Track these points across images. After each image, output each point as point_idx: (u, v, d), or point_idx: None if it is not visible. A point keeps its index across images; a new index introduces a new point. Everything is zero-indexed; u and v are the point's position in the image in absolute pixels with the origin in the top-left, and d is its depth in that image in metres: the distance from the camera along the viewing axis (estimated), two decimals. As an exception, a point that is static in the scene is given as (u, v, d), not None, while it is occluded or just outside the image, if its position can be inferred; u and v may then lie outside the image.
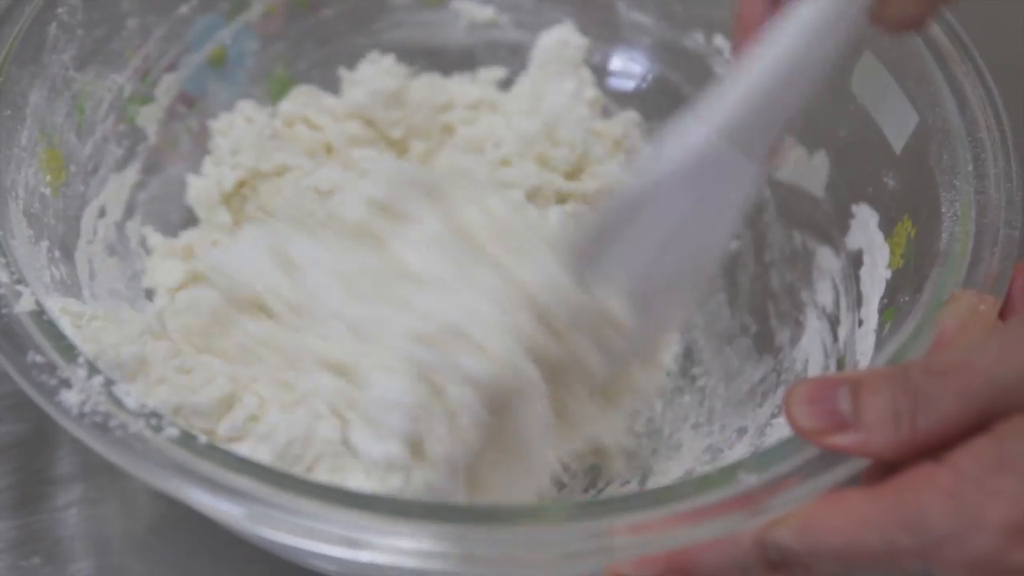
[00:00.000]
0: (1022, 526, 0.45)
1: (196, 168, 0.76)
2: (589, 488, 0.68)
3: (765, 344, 0.74)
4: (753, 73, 0.57)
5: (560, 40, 0.80)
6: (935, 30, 0.66)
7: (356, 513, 0.48)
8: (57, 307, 0.57)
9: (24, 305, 0.53)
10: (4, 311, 0.53)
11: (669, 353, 0.74)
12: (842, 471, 0.49)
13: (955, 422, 0.47)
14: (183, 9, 0.74)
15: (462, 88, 0.81)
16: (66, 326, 0.56)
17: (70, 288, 0.64)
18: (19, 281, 0.55)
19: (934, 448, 0.47)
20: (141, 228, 0.73)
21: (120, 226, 0.72)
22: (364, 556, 0.47)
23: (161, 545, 0.67)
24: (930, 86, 0.64)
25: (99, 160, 0.70)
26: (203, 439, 0.50)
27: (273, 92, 0.79)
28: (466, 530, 0.48)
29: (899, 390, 0.48)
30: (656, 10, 0.81)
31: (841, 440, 0.48)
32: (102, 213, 0.70)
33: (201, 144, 0.77)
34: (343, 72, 0.79)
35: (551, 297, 0.59)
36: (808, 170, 0.75)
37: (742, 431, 0.69)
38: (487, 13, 0.83)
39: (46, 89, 0.65)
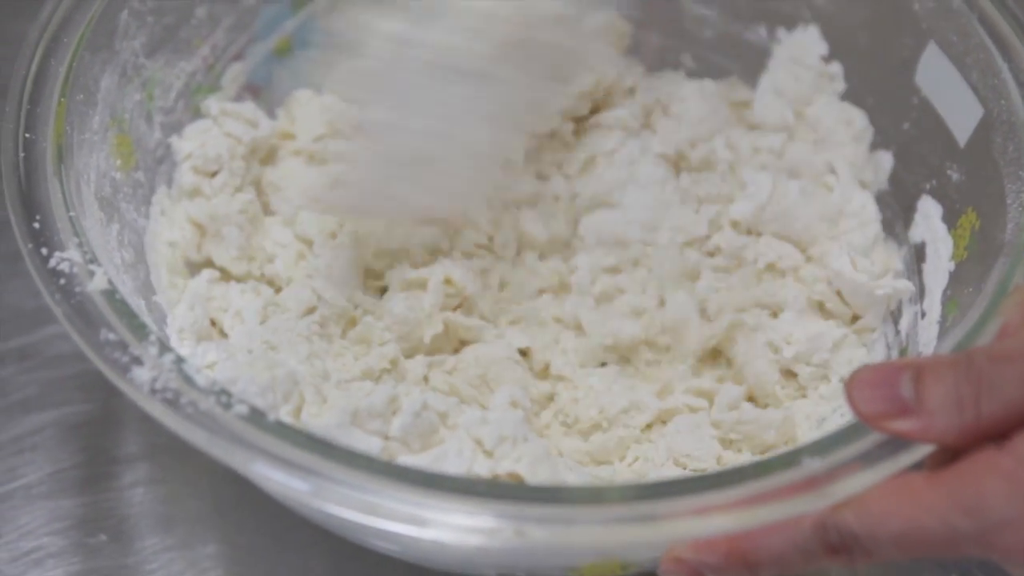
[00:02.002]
0: None
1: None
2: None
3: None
4: None
5: None
6: (1000, 22, 0.65)
7: (420, 490, 0.48)
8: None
9: (97, 284, 0.54)
10: (78, 289, 0.54)
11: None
12: (905, 457, 0.49)
13: (1019, 408, 0.47)
14: (250, -1, 0.75)
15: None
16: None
17: (139, 271, 0.64)
18: (92, 261, 0.55)
19: (998, 434, 0.47)
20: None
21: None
22: (428, 534, 0.48)
23: (225, 525, 0.67)
24: (995, 78, 0.64)
25: (167, 147, 0.71)
26: (272, 416, 0.50)
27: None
28: (527, 509, 0.48)
29: (962, 376, 0.47)
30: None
31: (902, 425, 0.48)
32: (169, 199, 0.71)
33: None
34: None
35: None
36: (871, 164, 0.75)
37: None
38: None
39: (117, 75, 0.66)
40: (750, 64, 0.80)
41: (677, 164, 0.76)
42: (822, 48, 0.77)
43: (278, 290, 0.69)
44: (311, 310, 0.67)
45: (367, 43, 0.64)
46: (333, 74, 0.68)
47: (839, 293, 0.71)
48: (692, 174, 0.75)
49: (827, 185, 0.74)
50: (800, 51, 0.78)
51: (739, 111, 0.78)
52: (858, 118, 0.75)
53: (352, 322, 0.68)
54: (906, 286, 0.69)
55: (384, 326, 0.67)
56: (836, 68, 0.77)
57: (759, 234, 0.73)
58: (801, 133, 0.77)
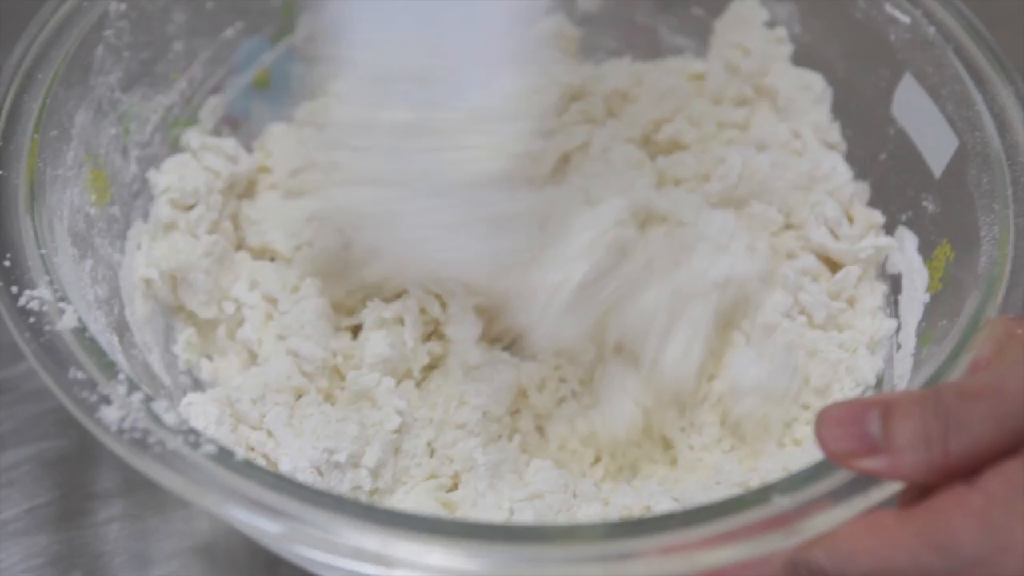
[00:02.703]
0: None
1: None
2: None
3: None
4: None
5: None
6: (975, 53, 0.66)
7: (389, 531, 0.48)
8: None
9: (67, 322, 0.54)
10: (47, 328, 0.54)
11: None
12: (875, 494, 0.49)
13: (988, 445, 0.47)
14: (229, 32, 0.75)
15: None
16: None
17: (112, 307, 0.64)
18: (62, 299, 0.55)
19: (967, 471, 0.47)
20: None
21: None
22: (397, 574, 0.48)
23: (200, 562, 0.67)
24: (970, 109, 0.64)
25: (143, 181, 0.71)
26: (240, 455, 0.50)
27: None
28: (498, 548, 0.48)
29: (930, 413, 0.48)
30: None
31: (871, 463, 0.48)
32: (146, 233, 0.71)
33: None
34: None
35: None
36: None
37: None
38: None
39: (92, 110, 0.66)
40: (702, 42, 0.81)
41: (648, 148, 0.76)
42: (763, 15, 0.78)
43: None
44: (298, 393, 0.67)
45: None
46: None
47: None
48: (666, 156, 0.75)
49: (796, 151, 0.74)
50: (742, 22, 0.78)
51: (699, 84, 0.78)
52: (815, 81, 0.76)
53: (337, 372, 0.68)
54: (888, 242, 0.70)
55: (369, 366, 0.67)
56: (782, 32, 0.77)
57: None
58: (762, 104, 0.77)
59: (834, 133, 0.75)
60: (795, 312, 0.69)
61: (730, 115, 0.76)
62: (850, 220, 0.72)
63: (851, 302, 0.70)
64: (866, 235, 0.71)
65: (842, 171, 0.73)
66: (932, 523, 0.46)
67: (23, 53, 0.64)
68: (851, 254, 0.70)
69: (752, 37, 0.77)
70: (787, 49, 0.77)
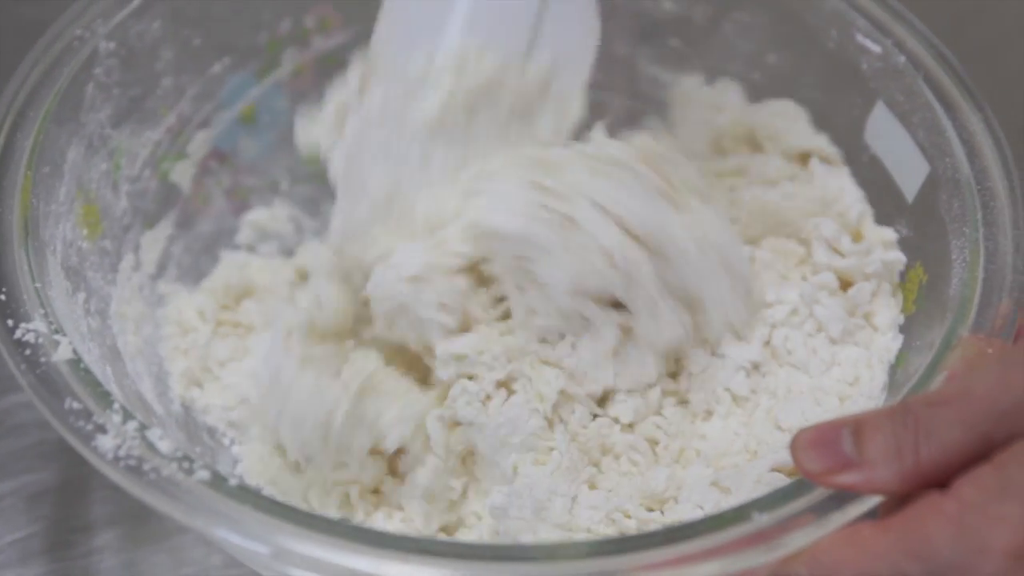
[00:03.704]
0: None
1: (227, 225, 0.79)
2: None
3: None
4: None
5: None
6: (944, 81, 0.67)
7: (379, 552, 0.49)
8: None
9: (62, 354, 0.56)
10: (43, 359, 0.55)
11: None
12: (853, 509, 0.51)
13: (958, 449, 0.48)
14: (216, 68, 0.77)
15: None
16: None
17: (105, 338, 0.66)
18: (57, 331, 0.57)
19: (941, 477, 0.48)
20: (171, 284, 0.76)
21: (153, 279, 0.74)
22: (385, 594, 0.49)
23: (189, 591, 0.68)
24: (940, 136, 0.66)
25: (134, 215, 0.72)
26: (233, 481, 0.51)
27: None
28: (486, 567, 0.50)
29: (900, 425, 0.49)
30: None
31: (846, 479, 0.50)
32: (136, 266, 0.72)
33: (232, 199, 0.80)
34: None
35: None
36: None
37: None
38: None
39: (83, 146, 0.68)
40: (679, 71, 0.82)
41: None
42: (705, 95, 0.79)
43: None
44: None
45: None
46: None
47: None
48: None
49: (806, 180, 0.75)
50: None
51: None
52: (795, 109, 0.76)
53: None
54: (897, 257, 0.69)
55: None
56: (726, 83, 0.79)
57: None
58: (745, 147, 0.78)
59: (825, 145, 0.75)
60: (812, 328, 0.69)
61: (725, 164, 0.77)
62: (858, 238, 0.72)
63: (867, 317, 0.70)
64: (874, 251, 0.71)
65: (850, 190, 0.73)
66: (908, 531, 0.48)
67: (15, 91, 0.65)
68: (859, 270, 0.70)
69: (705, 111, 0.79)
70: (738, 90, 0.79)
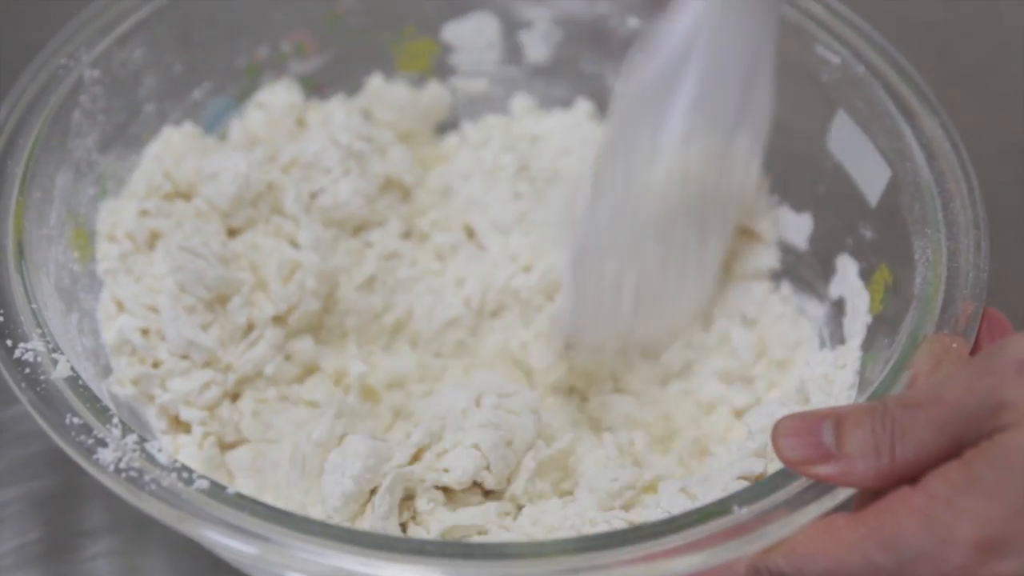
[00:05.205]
0: (990, 543, 0.48)
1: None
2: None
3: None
4: None
5: None
6: (903, 89, 0.70)
7: (372, 552, 0.51)
8: None
9: (61, 372, 0.57)
10: (42, 378, 0.57)
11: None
12: (827, 501, 0.53)
13: (930, 449, 0.50)
14: (196, 94, 0.78)
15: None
16: None
17: (99, 357, 0.67)
18: (55, 350, 0.58)
19: (913, 475, 0.50)
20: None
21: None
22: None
23: (186, 598, 0.69)
24: (900, 141, 0.68)
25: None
26: (231, 490, 0.53)
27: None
28: (472, 566, 0.51)
29: (878, 423, 0.51)
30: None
31: (825, 470, 0.52)
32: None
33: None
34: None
35: None
36: (792, 226, 0.78)
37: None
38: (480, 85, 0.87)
39: (71, 172, 0.69)
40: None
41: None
42: None
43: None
44: None
45: None
46: None
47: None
48: None
49: None
50: None
51: None
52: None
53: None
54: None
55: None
56: None
57: None
58: None
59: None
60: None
61: None
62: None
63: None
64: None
65: None
66: (879, 523, 0.50)
67: (4, 120, 0.66)
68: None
69: None
70: None
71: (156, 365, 0.69)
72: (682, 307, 0.75)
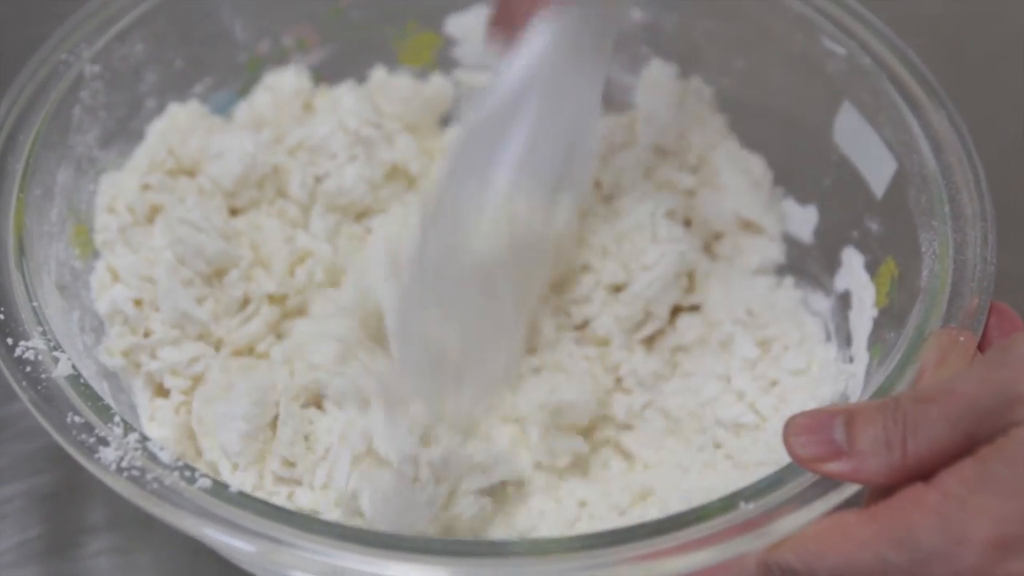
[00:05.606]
0: (1004, 541, 0.47)
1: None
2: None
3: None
4: None
5: None
6: (908, 80, 0.69)
7: (374, 551, 0.51)
8: None
9: (62, 370, 0.57)
10: (44, 376, 0.57)
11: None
12: (835, 497, 0.53)
13: (943, 445, 0.50)
14: (198, 88, 0.78)
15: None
16: None
17: (99, 354, 0.67)
18: (56, 348, 0.58)
19: (925, 471, 0.50)
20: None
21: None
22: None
23: (187, 595, 0.69)
24: (906, 133, 0.68)
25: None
26: (234, 488, 0.53)
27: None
28: (473, 563, 0.51)
29: (890, 419, 0.51)
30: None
31: (836, 467, 0.51)
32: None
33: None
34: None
35: None
36: (798, 219, 0.78)
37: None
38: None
39: (72, 168, 0.69)
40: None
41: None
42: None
43: None
44: None
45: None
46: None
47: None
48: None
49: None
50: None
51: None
52: (756, 165, 0.79)
53: None
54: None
55: None
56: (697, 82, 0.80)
57: None
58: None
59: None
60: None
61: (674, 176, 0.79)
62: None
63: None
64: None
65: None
66: (892, 520, 0.49)
67: (4, 117, 0.66)
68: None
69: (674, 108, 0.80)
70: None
71: (147, 335, 0.69)
72: (496, 370, 0.68)
